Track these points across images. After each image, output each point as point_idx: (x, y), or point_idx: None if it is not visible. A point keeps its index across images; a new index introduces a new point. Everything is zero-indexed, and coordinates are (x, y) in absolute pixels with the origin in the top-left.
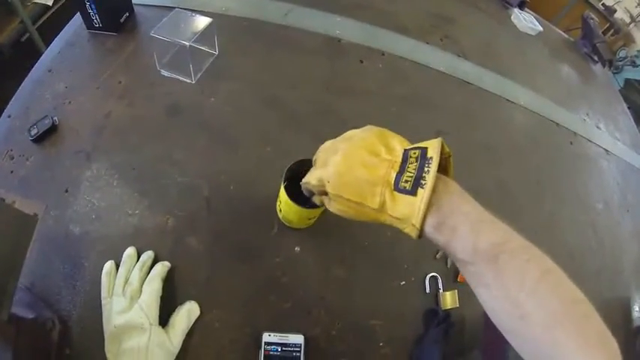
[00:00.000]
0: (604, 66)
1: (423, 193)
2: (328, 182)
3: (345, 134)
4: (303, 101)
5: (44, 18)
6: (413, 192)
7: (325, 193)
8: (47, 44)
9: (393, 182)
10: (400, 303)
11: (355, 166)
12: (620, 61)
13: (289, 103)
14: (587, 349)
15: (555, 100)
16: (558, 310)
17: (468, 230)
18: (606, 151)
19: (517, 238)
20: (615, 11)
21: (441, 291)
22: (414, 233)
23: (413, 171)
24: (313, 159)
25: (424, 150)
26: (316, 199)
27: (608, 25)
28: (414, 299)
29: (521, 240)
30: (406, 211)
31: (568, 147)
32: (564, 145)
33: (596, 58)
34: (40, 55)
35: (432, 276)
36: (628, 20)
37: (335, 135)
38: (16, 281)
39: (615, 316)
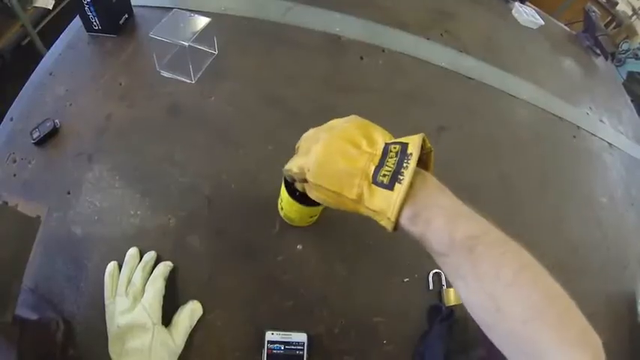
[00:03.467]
0: (606, 59)
1: (400, 189)
2: (308, 171)
3: (328, 123)
4: (304, 99)
5: (45, 22)
6: (390, 186)
7: (306, 181)
8: (48, 48)
9: (371, 175)
10: (403, 300)
11: (335, 157)
12: (623, 53)
13: (290, 101)
14: (567, 345)
15: (558, 94)
16: (537, 304)
17: (444, 222)
18: (610, 144)
19: (494, 231)
20: (617, 4)
21: (444, 287)
22: (389, 226)
23: (392, 165)
24: (295, 146)
25: (405, 145)
26: (298, 186)
27: (610, 17)
28: (418, 296)
29: (499, 233)
30: (382, 204)
31: (571, 141)
32: (567, 139)
33: (598, 51)
34: (41, 59)
35: (436, 272)
36: (630, 13)
37: None
38: (20, 283)
39: (620, 310)
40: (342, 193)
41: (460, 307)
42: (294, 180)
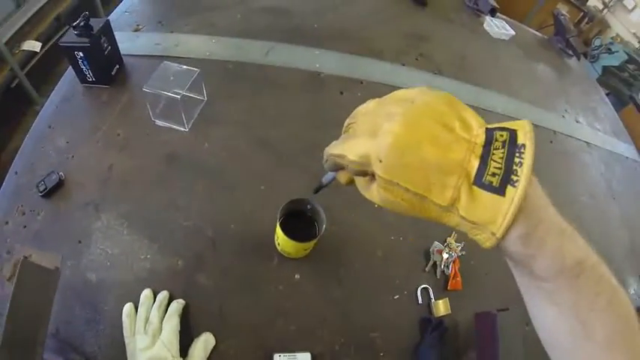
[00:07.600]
0: (579, 59)
1: (514, 194)
2: (380, 161)
3: (395, 94)
4: (290, 139)
5: (32, 63)
6: (501, 191)
7: (366, 174)
8: (36, 88)
9: (473, 173)
10: (396, 315)
11: (422, 142)
12: (596, 49)
13: (277, 142)
14: None
15: (532, 101)
16: (619, 330)
17: (557, 244)
18: (587, 143)
19: (592, 253)
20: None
21: (432, 300)
22: (489, 243)
23: (500, 161)
24: (345, 125)
25: (513, 133)
26: (341, 177)
27: (582, 14)
28: (409, 310)
29: (595, 255)
30: (487, 215)
31: (548, 146)
32: (545, 145)
33: (570, 52)
34: (31, 100)
35: (424, 287)
36: (601, 7)
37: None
38: (46, 330)
39: None
40: (428, 196)
41: (449, 316)
42: (337, 168)
